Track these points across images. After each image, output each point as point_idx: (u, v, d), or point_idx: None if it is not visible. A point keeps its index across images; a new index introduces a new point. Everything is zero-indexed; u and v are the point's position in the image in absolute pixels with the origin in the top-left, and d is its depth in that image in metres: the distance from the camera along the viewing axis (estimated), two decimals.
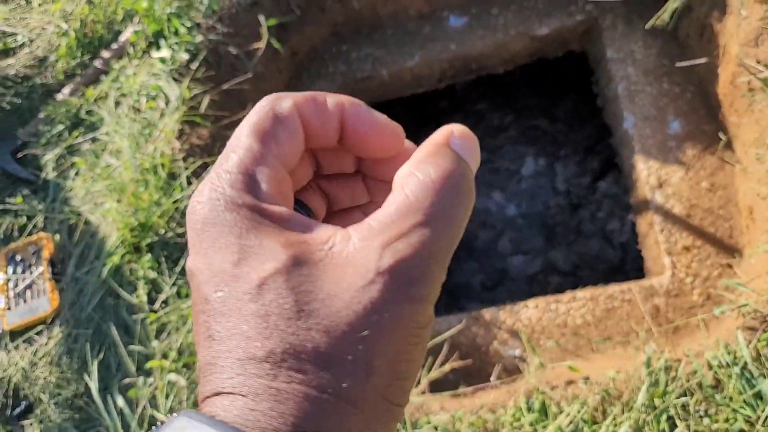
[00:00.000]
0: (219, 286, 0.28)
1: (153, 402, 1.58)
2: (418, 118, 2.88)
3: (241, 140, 0.31)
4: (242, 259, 0.28)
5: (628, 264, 2.36)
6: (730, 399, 1.36)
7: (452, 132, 0.32)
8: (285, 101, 0.32)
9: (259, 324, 0.27)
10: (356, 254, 0.28)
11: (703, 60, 1.87)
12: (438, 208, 0.29)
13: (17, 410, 1.73)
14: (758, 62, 1.75)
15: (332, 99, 0.33)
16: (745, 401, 1.34)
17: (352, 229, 0.29)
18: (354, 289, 0.27)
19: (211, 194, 0.30)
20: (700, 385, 1.38)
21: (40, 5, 2.19)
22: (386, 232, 0.28)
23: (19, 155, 2.02)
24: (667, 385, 1.39)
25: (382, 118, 0.34)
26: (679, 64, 1.95)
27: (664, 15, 1.95)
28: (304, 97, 0.33)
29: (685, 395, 1.38)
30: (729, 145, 1.92)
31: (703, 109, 2.00)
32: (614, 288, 1.89)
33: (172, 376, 1.58)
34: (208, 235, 0.29)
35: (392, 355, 0.28)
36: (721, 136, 1.89)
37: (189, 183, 1.84)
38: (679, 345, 1.69)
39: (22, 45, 2.12)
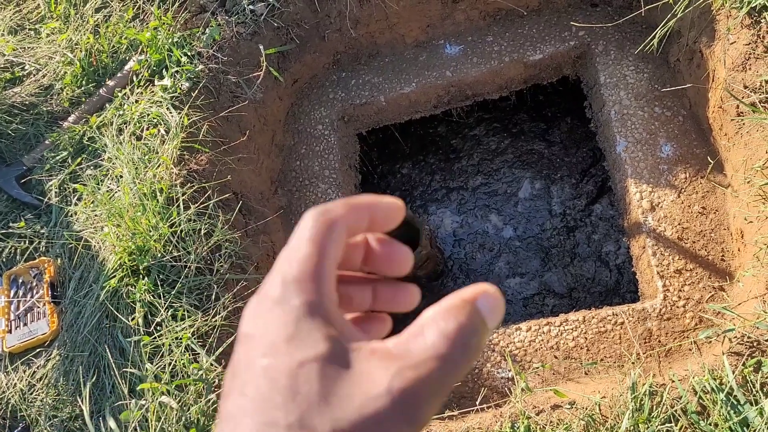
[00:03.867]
0: (267, 355, 0.34)
1: (144, 424, 1.61)
2: (415, 142, 2.92)
3: (303, 243, 0.38)
4: (293, 339, 0.34)
5: (623, 286, 2.36)
6: (715, 425, 1.36)
7: (483, 291, 0.38)
8: (334, 212, 0.40)
9: (288, 398, 0.33)
10: (376, 369, 0.34)
11: (689, 85, 1.89)
12: (448, 356, 0.34)
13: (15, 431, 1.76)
14: (745, 87, 1.77)
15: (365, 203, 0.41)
16: (730, 428, 1.33)
17: (378, 344, 0.35)
18: (367, 397, 0.33)
19: (282, 281, 0.37)
20: (684, 410, 1.38)
21: (47, 36, 2.27)
22: (402, 361, 0.34)
23: (24, 180, 2.08)
24: (651, 411, 1.39)
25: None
26: (665, 89, 1.97)
27: (653, 41, 1.98)
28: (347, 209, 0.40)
29: (670, 421, 1.38)
30: (720, 169, 1.93)
31: (695, 132, 2.01)
32: (607, 311, 1.89)
33: (164, 399, 1.60)
34: (273, 312, 0.36)
35: None
36: (710, 159, 1.90)
37: (186, 208, 1.88)
38: (671, 369, 1.68)
39: (29, 74, 2.20)
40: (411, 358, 0.34)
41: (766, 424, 1.29)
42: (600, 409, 1.43)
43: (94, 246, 1.92)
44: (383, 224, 0.43)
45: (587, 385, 1.76)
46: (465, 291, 0.38)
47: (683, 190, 1.95)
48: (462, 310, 0.36)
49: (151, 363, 1.67)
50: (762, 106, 1.71)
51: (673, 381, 1.42)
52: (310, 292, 0.36)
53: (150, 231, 1.84)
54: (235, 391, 0.34)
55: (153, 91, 2.12)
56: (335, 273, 0.39)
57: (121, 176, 1.97)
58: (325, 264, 0.38)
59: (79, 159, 2.05)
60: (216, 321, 1.75)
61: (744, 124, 1.78)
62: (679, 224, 1.91)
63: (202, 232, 1.87)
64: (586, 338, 1.87)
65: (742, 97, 1.75)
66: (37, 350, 1.82)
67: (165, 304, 1.75)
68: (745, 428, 1.33)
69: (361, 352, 0.35)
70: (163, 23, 2.20)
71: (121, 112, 2.10)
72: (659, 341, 1.81)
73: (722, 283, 1.82)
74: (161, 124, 2.04)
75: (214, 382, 1.65)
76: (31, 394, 1.77)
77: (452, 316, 0.36)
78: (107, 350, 1.70)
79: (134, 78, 2.17)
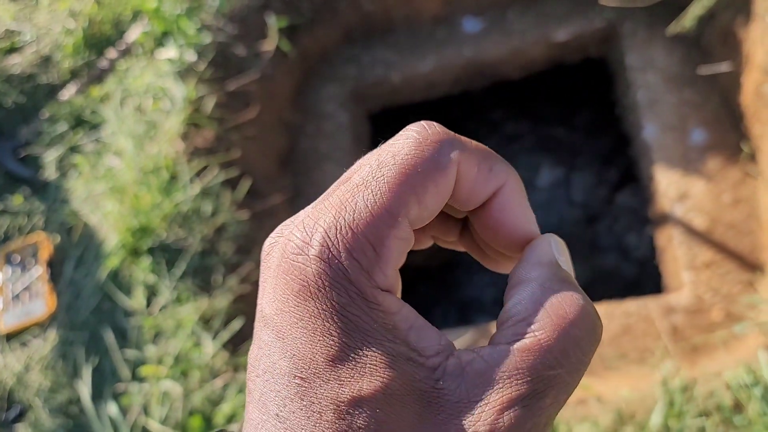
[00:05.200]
0: (301, 371, 0.23)
1: (147, 410, 1.53)
2: None
3: (381, 187, 0.25)
4: (339, 360, 0.23)
5: (644, 280, 2.28)
6: (750, 422, 1.28)
7: (553, 244, 0.28)
8: (452, 150, 0.26)
9: None
10: (466, 405, 0.23)
11: (724, 67, 1.79)
12: (572, 357, 0.24)
13: (11, 414, 1.68)
14: None
15: (499, 167, 0.28)
16: (766, 425, 1.26)
17: (465, 358, 0.24)
18: None
19: (322, 252, 0.24)
20: (718, 406, 1.30)
21: (49, 4, 2.17)
22: (508, 384, 0.23)
23: (22, 154, 1.99)
24: (683, 405, 1.31)
25: (532, 221, 0.29)
26: (700, 71, 1.87)
27: (685, 21, 1.88)
28: (473, 149, 0.27)
29: (702, 416, 1.30)
30: (753, 157, 1.84)
31: (727, 119, 1.92)
32: (631, 304, 1.81)
33: (167, 384, 1.53)
34: (305, 307, 0.23)
35: None
36: (744, 147, 1.81)
37: (191, 186, 1.79)
38: (698, 364, 1.61)
39: (29, 43, 2.10)
40: (520, 376, 0.23)
41: None
42: (628, 404, 1.35)
43: (95, 224, 1.83)
44: (495, 237, 0.29)
45: (609, 380, 1.68)
46: (538, 248, 0.27)
47: (713, 179, 1.86)
48: (562, 281, 0.26)
49: (155, 346, 1.59)
50: None
51: (705, 375, 1.34)
52: (365, 280, 0.23)
53: (153, 209, 1.75)
54: (257, 395, 0.24)
55: (157, 65, 2.02)
56: (409, 246, 0.25)
57: (123, 152, 1.88)
58: (401, 228, 0.24)
59: (80, 132, 1.96)
60: (221, 304, 1.67)
61: None
62: (708, 214, 1.82)
63: (208, 212, 1.78)
64: (608, 332, 1.79)
65: None
66: (35, 331, 1.74)
67: (169, 285, 1.66)
68: None
69: (443, 377, 0.23)
70: None
71: (123, 85, 2.00)
72: (685, 336, 1.73)
73: (752, 276, 1.74)
74: (166, 98, 1.95)
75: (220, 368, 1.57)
76: (28, 376, 1.69)
77: (557, 293, 0.25)
78: (108, 332, 1.62)
79: (138, 50, 2.07)
